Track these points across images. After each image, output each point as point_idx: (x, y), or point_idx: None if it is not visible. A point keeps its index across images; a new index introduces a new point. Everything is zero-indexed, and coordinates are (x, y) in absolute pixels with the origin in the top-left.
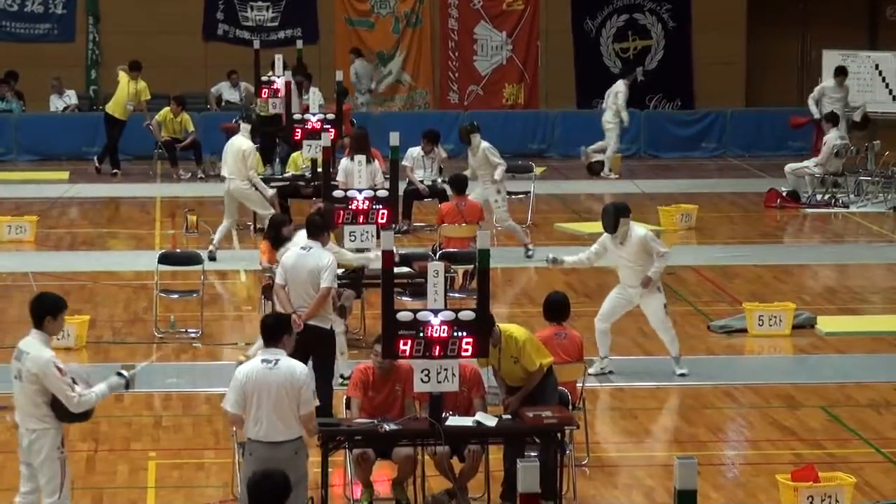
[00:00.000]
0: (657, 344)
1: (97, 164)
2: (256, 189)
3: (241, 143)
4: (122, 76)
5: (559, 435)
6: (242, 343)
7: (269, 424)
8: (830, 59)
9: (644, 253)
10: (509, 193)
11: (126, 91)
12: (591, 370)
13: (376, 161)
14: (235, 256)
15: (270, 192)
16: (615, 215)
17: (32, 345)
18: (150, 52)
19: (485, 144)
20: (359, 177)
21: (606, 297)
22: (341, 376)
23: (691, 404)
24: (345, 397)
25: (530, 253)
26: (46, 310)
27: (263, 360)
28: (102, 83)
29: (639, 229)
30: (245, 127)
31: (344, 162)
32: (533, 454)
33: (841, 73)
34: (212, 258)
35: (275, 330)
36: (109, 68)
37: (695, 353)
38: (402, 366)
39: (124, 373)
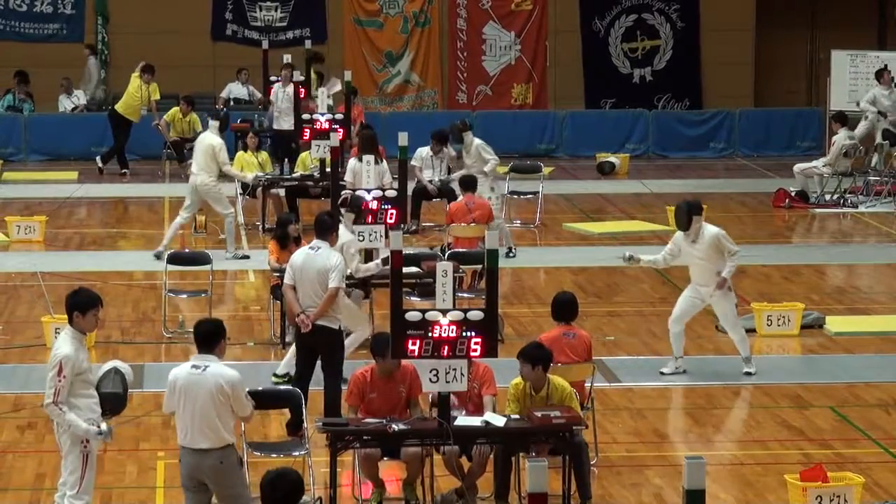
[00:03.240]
0: (666, 344)
1: (100, 165)
2: (233, 179)
3: (210, 139)
4: (133, 77)
5: (569, 435)
6: (251, 343)
7: (195, 431)
8: (839, 59)
9: (716, 251)
10: (517, 194)
11: (138, 94)
12: (664, 370)
13: (384, 161)
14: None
15: (250, 176)
16: (688, 212)
17: (60, 339)
18: (159, 52)
19: (478, 141)
20: (367, 177)
21: (679, 298)
22: None
23: (700, 404)
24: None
25: (512, 254)
26: (73, 306)
27: (193, 366)
28: (112, 83)
29: (711, 227)
30: (213, 124)
31: (352, 162)
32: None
33: None
34: (158, 257)
35: (208, 336)
36: (118, 68)
37: (703, 353)
38: (405, 367)
39: (103, 427)
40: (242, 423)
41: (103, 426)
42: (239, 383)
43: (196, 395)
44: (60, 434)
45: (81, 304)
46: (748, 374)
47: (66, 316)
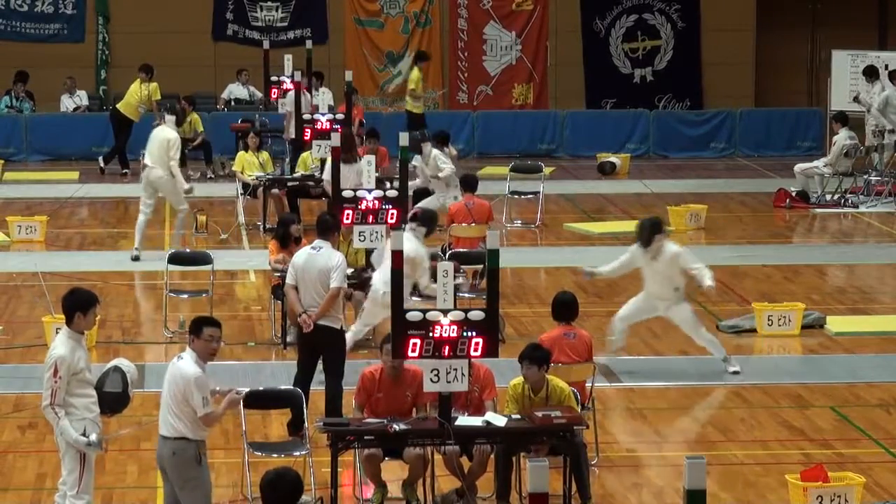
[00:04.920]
0: (667, 344)
1: (102, 165)
2: (175, 176)
3: (166, 133)
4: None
5: (570, 435)
6: (252, 343)
7: (161, 416)
8: (839, 59)
9: (676, 268)
10: (518, 193)
11: (138, 93)
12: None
13: (362, 160)
14: (244, 256)
15: (186, 185)
16: (651, 231)
17: (57, 339)
18: (160, 52)
19: (435, 152)
20: (368, 177)
21: (630, 299)
22: None
23: (701, 404)
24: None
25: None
26: (75, 306)
27: (177, 356)
28: (112, 83)
29: (672, 246)
30: (170, 118)
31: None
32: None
33: None
34: (135, 259)
35: (190, 328)
36: (119, 68)
37: (704, 352)
38: (415, 372)
39: (93, 438)
40: (244, 423)
41: (93, 437)
42: (193, 382)
43: (166, 381)
44: (57, 434)
45: (83, 303)
46: (735, 373)
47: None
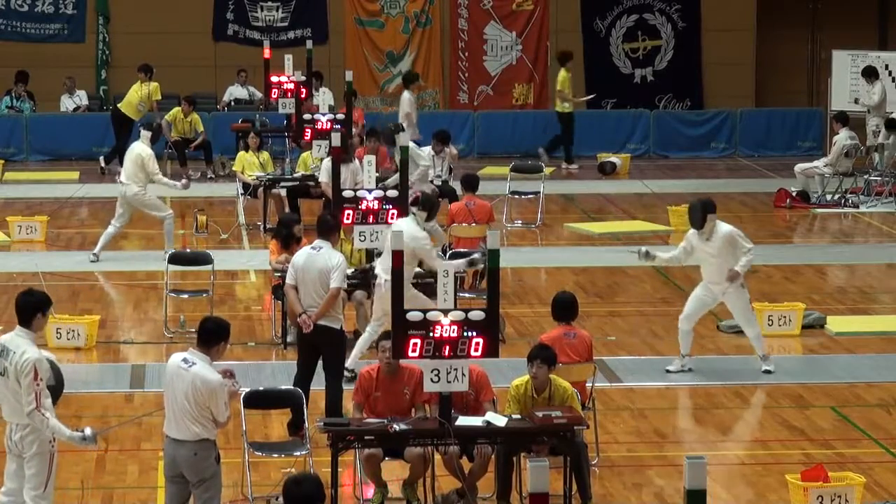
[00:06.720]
0: (667, 344)
1: (103, 165)
2: (165, 186)
3: (140, 149)
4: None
5: (571, 435)
6: (252, 343)
7: (174, 422)
8: (840, 59)
9: (729, 248)
10: (518, 193)
11: (138, 93)
12: (671, 367)
13: (357, 161)
14: (245, 256)
15: (179, 184)
16: (703, 211)
17: (17, 342)
18: (161, 52)
19: (412, 146)
20: (369, 177)
21: (689, 296)
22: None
23: (701, 404)
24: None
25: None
26: (39, 306)
27: (183, 359)
28: (112, 83)
29: (725, 225)
30: (145, 133)
31: (326, 162)
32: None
33: None
34: (93, 261)
35: (208, 335)
36: (119, 68)
37: (705, 352)
38: (413, 370)
39: (87, 433)
40: (244, 423)
41: (87, 431)
42: (217, 389)
43: (177, 388)
44: (24, 436)
45: (44, 303)
46: (767, 372)
47: (66, 316)
